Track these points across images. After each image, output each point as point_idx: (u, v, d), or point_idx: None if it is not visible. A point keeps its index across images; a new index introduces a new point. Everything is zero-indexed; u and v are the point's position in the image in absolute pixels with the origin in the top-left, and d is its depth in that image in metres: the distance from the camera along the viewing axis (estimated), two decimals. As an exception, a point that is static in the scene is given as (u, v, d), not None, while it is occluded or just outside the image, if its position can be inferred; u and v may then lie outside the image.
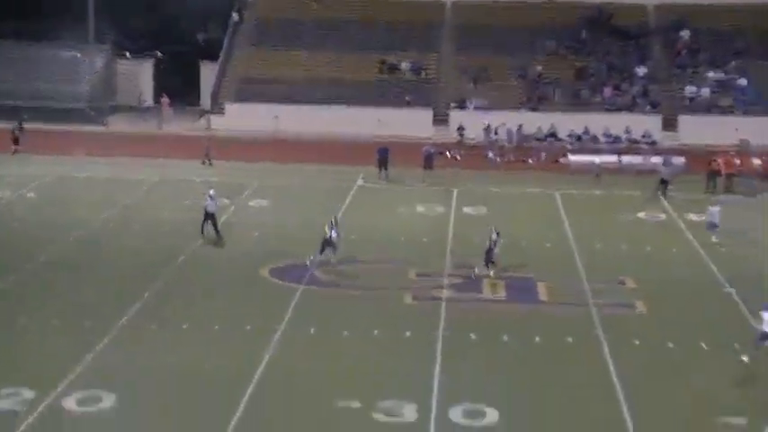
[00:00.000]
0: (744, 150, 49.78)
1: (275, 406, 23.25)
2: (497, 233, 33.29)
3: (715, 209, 36.36)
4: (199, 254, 35.24)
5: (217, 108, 60.89)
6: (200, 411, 22.91)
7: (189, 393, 23.85)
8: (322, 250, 33.89)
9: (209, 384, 24.31)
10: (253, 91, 60.42)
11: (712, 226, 36.60)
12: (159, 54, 67.54)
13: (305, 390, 24.11)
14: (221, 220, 38.17)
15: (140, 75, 67.37)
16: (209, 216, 36.65)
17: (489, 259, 32.92)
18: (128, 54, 67.54)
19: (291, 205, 42.29)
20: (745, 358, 25.61)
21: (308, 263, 33.53)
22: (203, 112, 62.21)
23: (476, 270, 32.92)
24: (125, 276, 32.45)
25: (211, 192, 37.26)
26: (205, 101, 63.77)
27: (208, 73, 64.90)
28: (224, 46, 64.73)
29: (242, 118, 57.92)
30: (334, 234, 33.94)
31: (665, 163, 46.92)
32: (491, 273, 32.73)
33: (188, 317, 28.70)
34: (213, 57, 64.80)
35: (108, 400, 23.27)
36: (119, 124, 61.57)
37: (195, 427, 22.22)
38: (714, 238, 36.63)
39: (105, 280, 32.11)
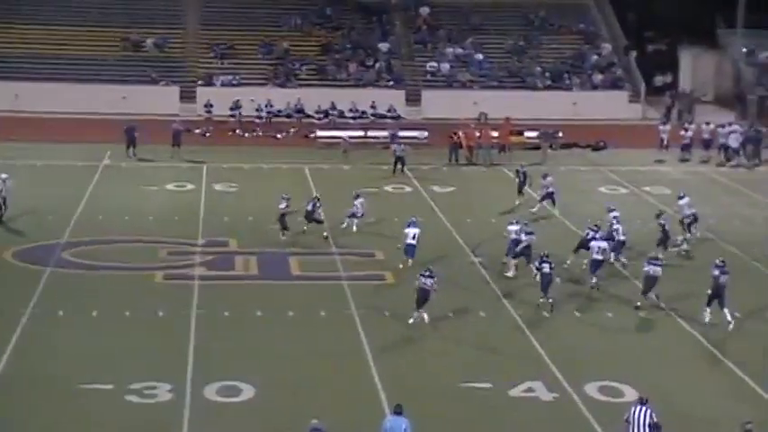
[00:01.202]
0: (482, 123, 51.58)
1: (21, 392, 22.58)
2: (317, 197, 35.10)
3: (359, 201, 36.27)
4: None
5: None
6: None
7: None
8: (283, 228, 34.13)
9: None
10: (-12, 68, 57.99)
11: (353, 215, 36.21)
12: None
13: (53, 374, 23.52)
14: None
15: None
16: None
17: (314, 219, 34.53)
18: None
19: (35, 186, 40.89)
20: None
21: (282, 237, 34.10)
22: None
23: (324, 234, 34.41)
24: None
25: (3, 175, 36.20)
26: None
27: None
28: (-44, 20, 61.71)
29: (-23, 96, 55.47)
30: (284, 206, 34.21)
31: (393, 138, 47.93)
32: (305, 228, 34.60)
33: (-73, 305, 27.48)
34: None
35: None
36: None
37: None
38: (353, 227, 35.73)
39: None
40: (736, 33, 64.99)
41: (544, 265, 28.28)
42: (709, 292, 27.45)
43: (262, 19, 63.20)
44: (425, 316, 26.94)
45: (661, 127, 50.24)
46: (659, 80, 62.53)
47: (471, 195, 41.70)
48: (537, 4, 65.84)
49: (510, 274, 31.02)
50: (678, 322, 27.69)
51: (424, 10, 64.93)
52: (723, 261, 27.98)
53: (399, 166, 44.37)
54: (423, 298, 26.95)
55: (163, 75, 58.92)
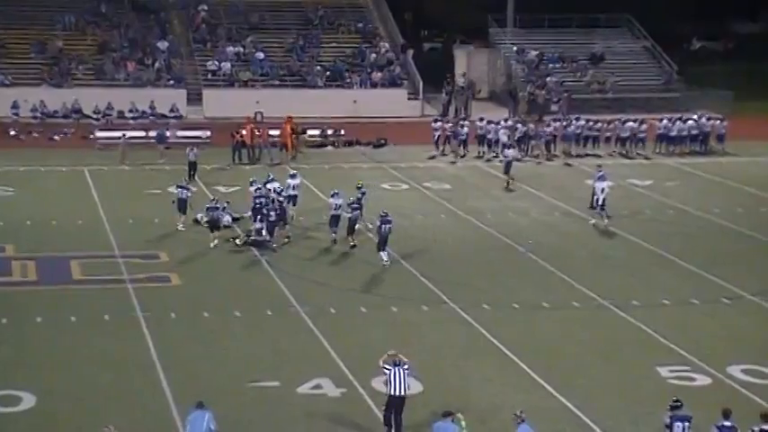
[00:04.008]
0: (258, 122, 51.37)
1: None
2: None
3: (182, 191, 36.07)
4: None
5: None
6: None
7: None
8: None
9: None
10: None
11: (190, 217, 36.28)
12: None
13: None
14: None
15: None
16: None
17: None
18: None
19: None
20: None
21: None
22: None
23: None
24: None
25: None
26: None
27: None
28: None
29: None
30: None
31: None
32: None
33: None
34: None
35: None
36: None
37: None
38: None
39: None
40: (507, 32, 67.36)
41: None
42: (378, 240, 32.19)
43: (34, 17, 61.41)
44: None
45: (434, 124, 51.13)
46: (461, 80, 63.81)
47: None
48: (315, 2, 66.38)
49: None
50: (460, 314, 28.49)
51: (203, 8, 64.44)
52: (385, 212, 32.49)
53: (192, 171, 42.22)
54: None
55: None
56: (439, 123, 51.12)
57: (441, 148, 49.73)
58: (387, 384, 21.13)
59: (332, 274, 31.69)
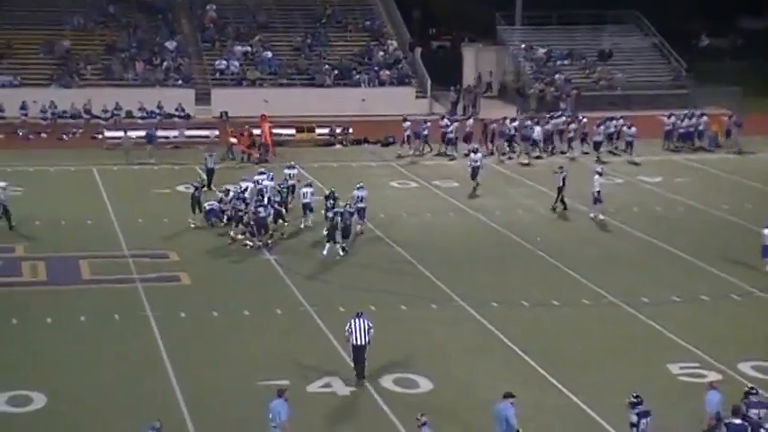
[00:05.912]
0: (224, 122, 51.26)
1: None
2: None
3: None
4: None
5: None
6: None
7: None
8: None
9: None
10: None
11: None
12: None
13: None
14: None
15: None
16: None
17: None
18: None
19: None
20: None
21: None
22: None
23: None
24: None
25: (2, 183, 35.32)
26: None
27: None
28: None
29: None
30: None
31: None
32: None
33: None
34: None
35: None
36: None
37: None
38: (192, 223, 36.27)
39: None
40: (515, 30, 67.28)
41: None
42: (325, 231, 33.01)
43: (42, 18, 61.43)
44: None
45: (404, 124, 50.07)
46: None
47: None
48: (323, 1, 66.37)
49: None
50: (469, 311, 28.50)
51: (211, 7, 64.46)
52: (333, 202, 33.87)
53: (210, 179, 40.58)
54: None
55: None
56: (422, 124, 49.80)
57: (428, 147, 49.10)
58: (349, 335, 23.26)
59: (341, 273, 31.70)
